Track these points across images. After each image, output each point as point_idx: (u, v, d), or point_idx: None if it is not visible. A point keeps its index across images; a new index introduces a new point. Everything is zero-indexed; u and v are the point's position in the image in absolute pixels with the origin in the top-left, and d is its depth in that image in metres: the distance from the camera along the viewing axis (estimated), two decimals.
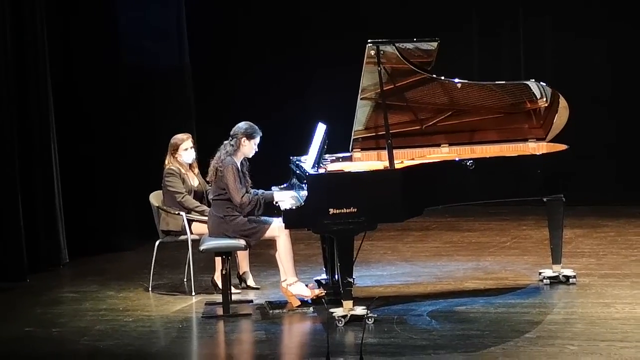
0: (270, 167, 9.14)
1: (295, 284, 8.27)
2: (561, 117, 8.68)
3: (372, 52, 8.11)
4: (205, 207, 8.88)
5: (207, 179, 8.56)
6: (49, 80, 10.28)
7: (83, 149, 10.91)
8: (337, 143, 8.71)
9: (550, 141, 8.81)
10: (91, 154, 10.96)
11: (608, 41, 12.31)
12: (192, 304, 8.63)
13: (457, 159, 8.32)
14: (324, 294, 8.31)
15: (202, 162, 8.85)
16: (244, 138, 8.33)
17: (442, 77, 8.49)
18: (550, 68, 12.38)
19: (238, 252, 8.70)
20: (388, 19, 12.34)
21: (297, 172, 8.50)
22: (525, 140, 8.86)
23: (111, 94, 11.04)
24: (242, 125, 8.38)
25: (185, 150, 9.11)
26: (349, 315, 7.74)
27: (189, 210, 8.91)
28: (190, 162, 9.15)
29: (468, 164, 8.13)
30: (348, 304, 7.79)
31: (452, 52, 10.74)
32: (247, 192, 8.26)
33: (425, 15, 12.41)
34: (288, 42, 12.71)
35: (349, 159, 8.78)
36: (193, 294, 8.82)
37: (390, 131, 8.02)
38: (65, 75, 10.78)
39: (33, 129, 10.10)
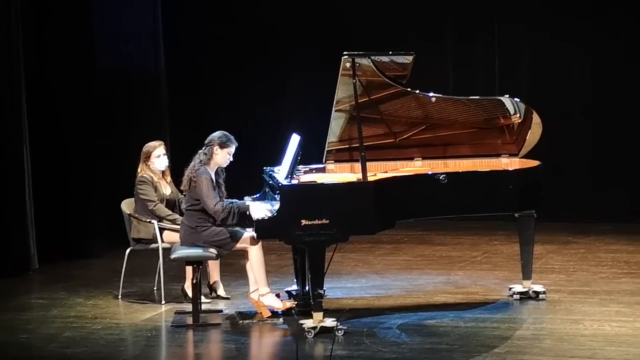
0: (242, 177, 9.11)
1: (267, 295, 8.25)
2: (534, 133, 8.71)
3: (348, 65, 8.12)
4: (177, 216, 8.85)
5: (181, 188, 8.53)
6: (22, 82, 10.21)
7: (55, 153, 10.84)
8: (310, 154, 8.70)
9: (523, 157, 8.85)
10: (63, 159, 10.88)
11: (586, 50, 12.25)
12: (162, 312, 8.60)
13: (430, 172, 8.33)
14: (294, 305, 8.30)
15: (177, 170, 8.79)
16: (217, 147, 8.28)
17: (417, 91, 8.50)
18: (526, 77, 12.36)
19: (209, 261, 8.68)
20: (363, 28, 12.31)
21: (270, 182, 8.49)
22: (498, 155, 8.87)
23: (85, 98, 10.94)
24: (217, 134, 8.34)
25: (158, 157, 9.08)
26: (318, 326, 7.73)
27: (160, 219, 8.88)
28: (162, 169, 9.12)
29: (441, 178, 8.14)
30: (318, 315, 7.78)
31: (428, 60, 10.71)
32: (220, 201, 8.22)
33: (401, 23, 12.40)
34: (263, 49, 12.66)
35: (322, 170, 8.77)
36: (163, 302, 8.79)
37: (364, 144, 8.03)
38: (39, 78, 10.69)
39: (5, 133, 10.04)
